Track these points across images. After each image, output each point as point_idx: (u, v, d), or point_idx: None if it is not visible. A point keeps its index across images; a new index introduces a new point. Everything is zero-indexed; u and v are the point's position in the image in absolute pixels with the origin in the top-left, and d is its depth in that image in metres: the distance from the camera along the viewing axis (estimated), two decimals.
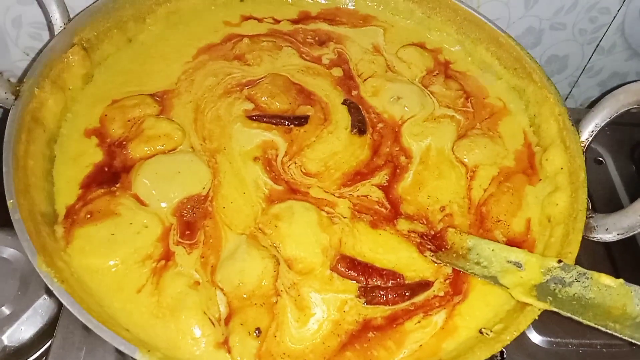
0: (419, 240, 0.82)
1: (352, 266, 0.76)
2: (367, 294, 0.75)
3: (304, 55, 1.02)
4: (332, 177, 0.88)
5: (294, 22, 1.08)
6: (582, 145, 0.86)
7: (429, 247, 0.81)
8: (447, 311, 0.76)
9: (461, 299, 0.77)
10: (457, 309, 0.76)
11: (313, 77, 0.98)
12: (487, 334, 0.69)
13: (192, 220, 0.79)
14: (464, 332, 0.74)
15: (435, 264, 0.80)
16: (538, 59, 1.33)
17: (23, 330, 0.95)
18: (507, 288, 0.73)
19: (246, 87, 0.95)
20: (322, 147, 0.91)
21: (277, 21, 1.08)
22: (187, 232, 0.78)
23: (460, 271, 0.79)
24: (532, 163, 0.93)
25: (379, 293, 0.75)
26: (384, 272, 0.77)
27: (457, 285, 0.79)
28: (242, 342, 0.69)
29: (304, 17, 1.09)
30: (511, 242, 0.84)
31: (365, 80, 1.00)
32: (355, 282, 0.76)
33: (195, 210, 0.80)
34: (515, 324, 0.69)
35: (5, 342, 0.93)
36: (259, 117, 0.91)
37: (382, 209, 0.85)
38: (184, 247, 0.77)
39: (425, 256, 0.80)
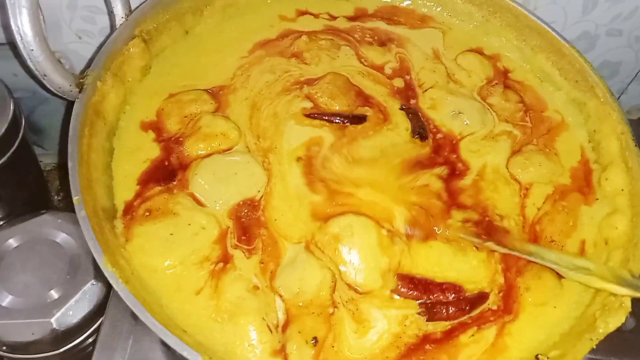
0: (474, 229, 0.81)
1: (412, 286, 0.76)
2: (429, 311, 0.75)
3: (362, 59, 1.00)
4: (391, 163, 0.87)
5: (351, 19, 1.06)
6: None
7: (484, 237, 0.80)
8: (497, 328, 0.76)
9: (512, 318, 0.77)
10: (507, 328, 0.76)
11: (373, 82, 0.97)
12: (543, 359, 0.69)
13: (248, 226, 0.79)
14: (516, 352, 0.74)
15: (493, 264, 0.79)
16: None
17: (71, 314, 0.97)
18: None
19: (306, 85, 0.94)
20: (381, 138, 0.90)
21: (334, 17, 1.06)
22: (244, 237, 0.78)
23: (512, 287, 0.78)
24: (589, 181, 0.91)
25: (440, 309, 0.75)
26: (444, 286, 0.76)
27: (508, 302, 0.78)
28: (300, 350, 0.69)
29: (361, 15, 1.07)
30: None
31: (425, 91, 0.97)
32: (417, 300, 0.76)
33: (251, 215, 0.80)
34: (572, 351, 0.68)
35: (54, 325, 0.96)
36: (317, 115, 0.90)
37: (439, 202, 0.84)
38: (242, 252, 0.77)
39: (482, 246, 0.80)
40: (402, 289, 0.76)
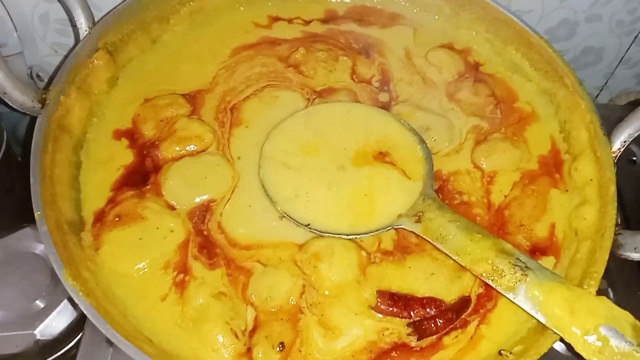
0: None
1: (392, 302, 0.75)
2: (418, 330, 0.74)
3: (354, 75, 1.00)
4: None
5: (323, 21, 1.06)
6: (614, 155, 0.83)
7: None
8: (479, 319, 0.76)
9: (492, 305, 0.77)
10: (488, 317, 0.76)
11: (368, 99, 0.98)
12: (506, 355, 0.69)
13: (208, 237, 0.80)
14: (486, 345, 0.74)
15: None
16: (572, 51, 1.31)
17: (54, 325, 0.98)
18: None
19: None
20: None
21: (307, 22, 1.06)
22: (205, 250, 0.79)
23: None
24: (559, 169, 0.91)
25: (429, 324, 0.74)
26: (424, 301, 0.76)
27: (489, 285, 0.77)
28: (265, 355, 0.70)
29: (332, 17, 1.07)
30: (535, 247, 0.83)
31: (396, 104, 0.96)
32: (398, 317, 0.75)
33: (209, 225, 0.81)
34: (535, 346, 0.68)
35: (38, 336, 0.97)
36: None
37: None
38: (203, 264, 0.77)
39: None
40: (382, 306, 0.76)
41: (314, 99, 0.95)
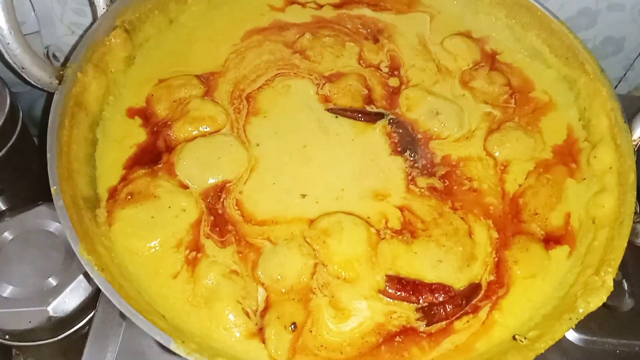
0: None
1: (400, 286, 0.75)
2: (427, 315, 0.74)
3: (361, 60, 0.99)
4: None
5: (337, 6, 1.05)
6: (634, 144, 0.82)
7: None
8: (490, 304, 0.76)
9: (504, 292, 0.77)
10: (499, 303, 0.76)
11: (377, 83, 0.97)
12: (520, 340, 0.68)
13: (220, 215, 0.80)
14: (499, 331, 0.74)
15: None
16: (592, 41, 1.28)
17: (67, 302, 0.99)
18: None
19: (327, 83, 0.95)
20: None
21: (320, 6, 1.05)
22: (216, 227, 0.79)
23: (501, 261, 0.79)
24: (575, 158, 0.90)
25: (438, 310, 0.74)
26: (433, 287, 0.75)
27: (500, 273, 0.78)
28: (278, 335, 0.70)
29: (347, 1, 1.06)
30: (550, 236, 0.82)
31: (407, 88, 0.96)
32: (406, 302, 0.75)
33: (224, 202, 0.81)
34: (551, 332, 0.67)
35: (51, 313, 0.98)
36: (339, 110, 0.91)
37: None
38: (214, 242, 0.78)
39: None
40: (390, 290, 0.75)
41: (323, 84, 0.94)
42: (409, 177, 0.86)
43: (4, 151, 1.14)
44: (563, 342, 0.95)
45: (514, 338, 0.70)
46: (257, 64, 0.97)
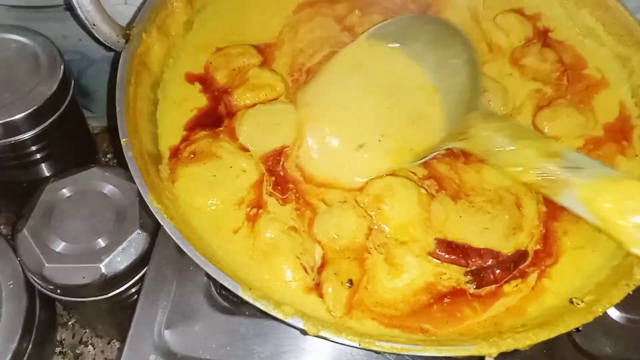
0: None
1: (450, 250, 0.76)
2: (476, 278, 0.75)
3: None
4: None
5: None
6: None
7: None
8: (539, 272, 0.77)
9: (552, 262, 0.78)
10: (548, 272, 0.77)
11: None
12: (577, 303, 0.69)
13: (281, 176, 0.82)
14: (551, 297, 0.74)
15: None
16: None
17: (119, 260, 1.02)
18: None
19: None
20: None
21: None
22: (278, 187, 0.81)
23: (550, 232, 0.80)
24: (627, 135, 0.90)
25: (487, 273, 0.75)
26: (481, 251, 0.77)
27: (548, 243, 0.79)
28: (335, 290, 0.72)
29: None
30: None
31: None
32: (455, 265, 0.76)
33: (284, 165, 0.83)
34: (608, 296, 0.68)
35: (103, 270, 1.01)
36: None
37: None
38: (276, 200, 0.80)
39: None
40: (440, 253, 0.77)
41: None
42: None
43: (56, 116, 1.17)
44: (607, 320, 0.96)
45: (570, 301, 0.70)
46: (311, 39, 0.98)
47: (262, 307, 0.65)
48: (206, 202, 0.78)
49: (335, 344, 0.66)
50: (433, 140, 0.85)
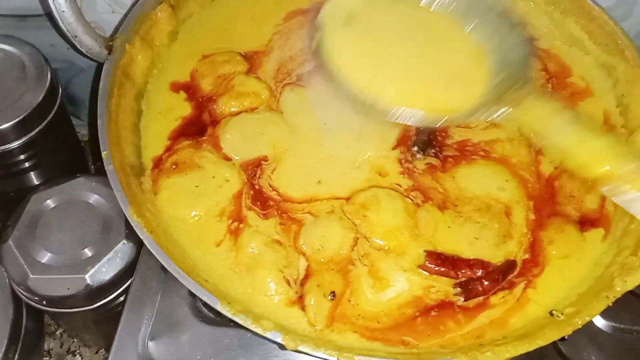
0: None
1: (440, 262, 0.76)
2: (465, 290, 0.75)
3: None
4: None
5: None
6: None
7: None
8: (525, 282, 0.77)
9: (538, 271, 0.78)
10: (534, 282, 0.77)
11: None
12: (557, 316, 0.69)
13: (260, 191, 0.82)
14: (534, 308, 0.74)
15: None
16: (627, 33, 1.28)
17: (104, 271, 1.01)
18: None
19: None
20: None
21: None
22: (258, 202, 0.81)
23: (536, 241, 0.80)
24: None
25: (475, 285, 0.75)
26: (471, 262, 0.77)
27: (535, 252, 0.79)
28: (317, 302, 0.72)
29: None
30: (585, 218, 0.83)
31: None
32: (445, 277, 0.76)
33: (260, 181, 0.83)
34: (588, 308, 0.68)
35: (88, 281, 1.00)
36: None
37: None
38: (256, 214, 0.79)
39: None
40: (430, 265, 0.77)
41: None
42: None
43: (43, 125, 1.16)
44: (593, 329, 0.96)
45: (550, 314, 0.71)
46: (301, 47, 0.97)
47: (241, 322, 0.64)
48: (189, 213, 0.78)
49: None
50: (467, 102, 0.82)
